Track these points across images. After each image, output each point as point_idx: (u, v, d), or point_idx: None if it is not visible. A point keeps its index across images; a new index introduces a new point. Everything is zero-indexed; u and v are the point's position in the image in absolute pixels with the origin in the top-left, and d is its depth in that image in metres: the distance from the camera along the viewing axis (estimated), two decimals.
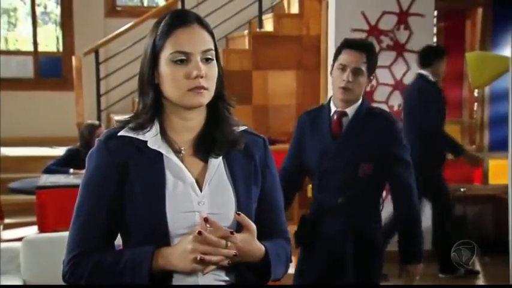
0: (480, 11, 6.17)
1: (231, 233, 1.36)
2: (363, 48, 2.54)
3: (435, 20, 5.73)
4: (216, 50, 1.45)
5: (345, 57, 2.53)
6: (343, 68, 2.51)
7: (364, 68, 2.52)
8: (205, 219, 1.37)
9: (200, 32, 1.43)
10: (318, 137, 2.58)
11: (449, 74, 6.28)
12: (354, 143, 2.52)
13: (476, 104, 6.37)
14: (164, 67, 1.42)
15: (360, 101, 2.57)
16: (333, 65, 2.58)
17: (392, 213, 2.69)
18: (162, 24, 1.43)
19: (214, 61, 1.44)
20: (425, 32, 5.08)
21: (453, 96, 6.28)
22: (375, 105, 5.10)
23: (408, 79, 5.06)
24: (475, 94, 6.35)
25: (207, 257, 1.33)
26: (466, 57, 5.22)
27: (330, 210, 2.54)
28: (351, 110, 2.56)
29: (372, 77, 2.59)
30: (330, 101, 2.64)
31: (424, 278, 4.44)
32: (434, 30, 5.70)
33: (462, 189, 5.77)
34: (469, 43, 6.32)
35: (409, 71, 5.07)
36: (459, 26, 6.37)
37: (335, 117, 2.58)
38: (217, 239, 1.35)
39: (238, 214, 1.40)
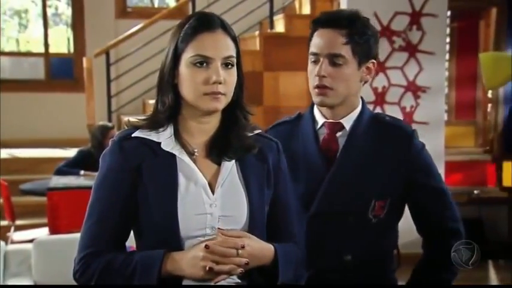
0: (494, 11, 6.12)
1: (242, 246, 1.35)
2: (340, 24, 1.68)
3: (448, 20, 5.67)
4: (238, 55, 1.45)
5: (316, 41, 1.74)
6: (315, 59, 1.74)
7: (346, 53, 1.68)
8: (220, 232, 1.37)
9: (223, 38, 1.43)
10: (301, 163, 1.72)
11: (462, 75, 6.24)
12: (359, 169, 1.72)
13: (490, 105, 6.31)
14: (184, 68, 1.42)
15: (359, 107, 1.78)
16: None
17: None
18: (187, 26, 1.43)
19: (235, 67, 1.44)
20: (438, 33, 5.03)
21: (467, 98, 6.23)
22: (387, 107, 5.18)
23: (421, 80, 5.01)
24: (489, 95, 6.29)
25: (216, 267, 1.33)
26: (479, 58, 5.17)
27: (332, 273, 1.74)
28: (347, 121, 1.76)
29: (369, 65, 1.74)
30: (312, 108, 1.84)
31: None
32: (448, 30, 5.64)
33: (476, 192, 5.72)
34: (483, 44, 6.26)
35: (422, 71, 5.02)
36: (473, 26, 6.31)
37: (325, 131, 1.77)
38: (226, 248, 1.35)
39: (219, 229, 1.38)
